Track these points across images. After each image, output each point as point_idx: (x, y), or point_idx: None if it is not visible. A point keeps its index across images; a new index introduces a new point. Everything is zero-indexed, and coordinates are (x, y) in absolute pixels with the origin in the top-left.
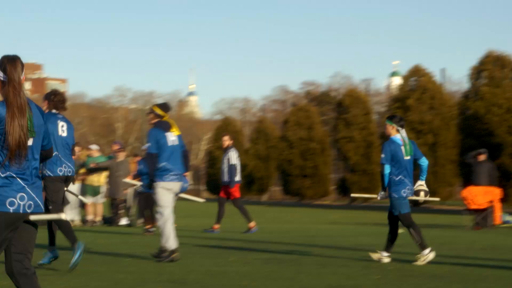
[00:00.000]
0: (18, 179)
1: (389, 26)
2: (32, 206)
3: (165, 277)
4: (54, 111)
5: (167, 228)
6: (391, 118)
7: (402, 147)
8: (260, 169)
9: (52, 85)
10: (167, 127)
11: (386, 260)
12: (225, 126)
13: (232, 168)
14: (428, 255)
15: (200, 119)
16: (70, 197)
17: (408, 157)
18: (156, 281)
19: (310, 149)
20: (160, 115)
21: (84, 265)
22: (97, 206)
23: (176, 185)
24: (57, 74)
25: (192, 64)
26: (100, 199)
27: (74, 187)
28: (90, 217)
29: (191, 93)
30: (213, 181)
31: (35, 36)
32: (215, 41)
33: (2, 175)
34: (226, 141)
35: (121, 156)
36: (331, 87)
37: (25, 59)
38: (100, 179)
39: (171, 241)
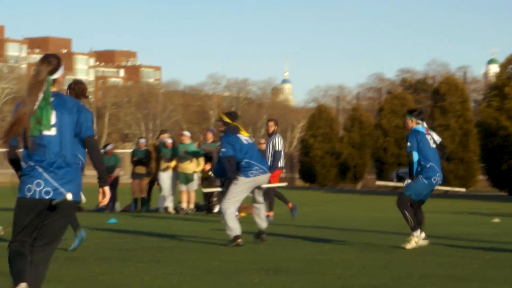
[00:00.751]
0: (37, 167)
1: (487, 13)
2: (51, 192)
3: (259, 265)
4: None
5: (233, 219)
6: (411, 112)
7: (427, 136)
8: (355, 157)
9: (146, 72)
10: (236, 130)
11: (423, 242)
12: (319, 114)
13: (276, 154)
14: (418, 237)
15: (294, 107)
16: (164, 184)
17: (434, 146)
18: (250, 269)
19: (405, 137)
20: (228, 122)
21: (177, 253)
22: (190, 194)
23: (259, 179)
24: (151, 62)
25: (287, 51)
26: (193, 187)
27: (167, 174)
28: (183, 204)
29: (285, 81)
30: (306, 169)
31: (129, 24)
32: (311, 28)
33: (24, 166)
34: (272, 126)
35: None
36: (427, 75)
37: (119, 46)
38: (192, 167)
39: (238, 228)
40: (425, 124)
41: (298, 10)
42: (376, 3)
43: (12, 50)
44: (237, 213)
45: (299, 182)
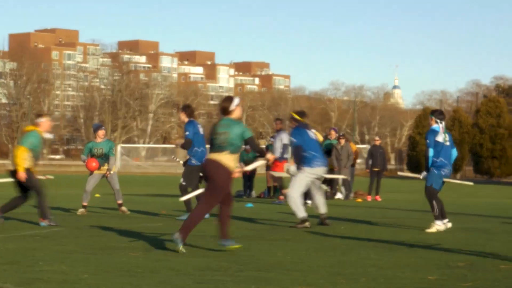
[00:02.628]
0: None
1: None
2: None
3: (372, 242)
4: (191, 119)
5: (296, 203)
6: (433, 112)
7: (442, 134)
8: None
9: (277, 80)
10: (305, 126)
11: (443, 227)
12: (424, 115)
13: (285, 147)
14: (440, 226)
15: (403, 109)
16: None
17: (447, 143)
18: (366, 246)
19: (499, 134)
20: (298, 119)
21: (304, 232)
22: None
23: (320, 170)
24: (281, 71)
25: (397, 60)
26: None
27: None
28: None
29: (395, 86)
30: (414, 162)
31: (263, 38)
32: (418, 39)
33: None
34: (278, 124)
35: (341, 142)
36: None
37: (254, 58)
38: None
39: (302, 212)
40: (443, 124)
41: (406, 25)
42: (475, 19)
43: (166, 62)
44: (309, 201)
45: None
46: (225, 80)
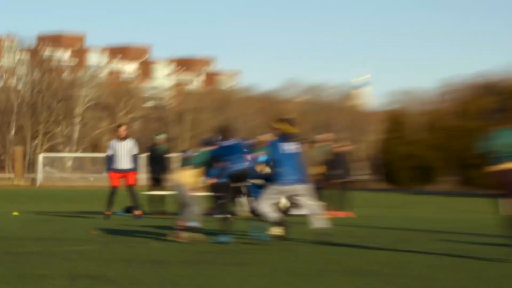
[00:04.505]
0: None
1: None
2: None
3: (344, 264)
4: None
5: (263, 210)
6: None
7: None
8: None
9: (223, 78)
10: (287, 138)
11: None
12: (396, 118)
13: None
14: None
15: (371, 111)
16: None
17: None
18: (332, 270)
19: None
20: (283, 128)
21: (260, 255)
22: None
23: (289, 188)
24: (229, 67)
25: (364, 53)
26: None
27: None
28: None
29: (363, 84)
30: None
31: (208, 29)
32: (389, 28)
33: None
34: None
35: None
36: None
37: (199, 51)
38: None
39: (272, 214)
40: None
41: (375, 12)
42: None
43: (93, 59)
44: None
45: (382, 184)
46: (163, 78)
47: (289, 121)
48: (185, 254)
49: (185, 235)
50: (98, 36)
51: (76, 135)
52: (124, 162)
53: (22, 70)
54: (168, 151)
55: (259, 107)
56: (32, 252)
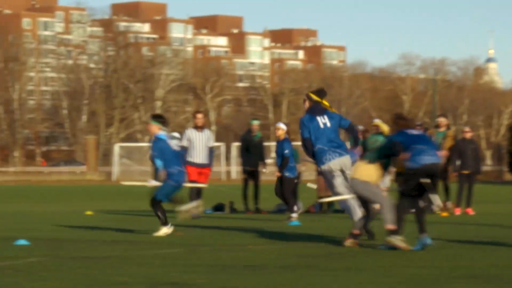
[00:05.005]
0: None
1: None
2: None
3: (462, 271)
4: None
5: (350, 205)
6: None
7: None
8: None
9: (328, 53)
10: (319, 111)
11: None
12: None
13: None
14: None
15: (501, 90)
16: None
17: None
18: (451, 276)
19: None
20: (316, 100)
21: (370, 259)
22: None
23: (336, 163)
24: (333, 41)
25: (491, 25)
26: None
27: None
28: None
29: (490, 60)
30: None
31: (303, 0)
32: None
33: None
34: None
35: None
36: None
37: (296, 24)
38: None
39: (358, 212)
40: None
41: None
42: None
43: (176, 31)
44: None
45: (508, 176)
46: (258, 54)
47: (320, 93)
48: (284, 258)
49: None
50: (181, 5)
51: None
52: (201, 155)
53: (94, 46)
54: (263, 140)
55: (368, 86)
56: (108, 257)
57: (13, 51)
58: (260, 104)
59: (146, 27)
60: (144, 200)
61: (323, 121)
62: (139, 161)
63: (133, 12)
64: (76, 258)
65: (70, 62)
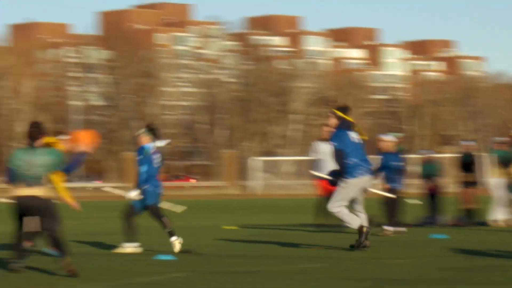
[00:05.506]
0: None
1: None
2: None
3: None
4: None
5: (345, 215)
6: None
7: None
8: None
9: (466, 63)
10: (348, 126)
11: None
12: None
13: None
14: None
15: None
16: (496, 193)
17: None
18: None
19: None
20: (341, 117)
21: None
22: None
23: (366, 180)
24: (472, 52)
25: None
26: None
27: (499, 181)
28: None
29: None
30: None
31: (449, 11)
32: None
33: None
34: None
35: None
36: None
37: (436, 35)
38: None
39: (356, 219)
40: None
41: None
42: None
43: (312, 44)
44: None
45: None
46: (395, 65)
47: (345, 110)
48: (438, 272)
49: None
50: (314, 19)
51: (294, 134)
52: (330, 168)
53: (229, 60)
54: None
55: (508, 96)
56: (249, 272)
57: (146, 66)
58: (398, 116)
59: (278, 40)
60: (287, 214)
61: (354, 136)
62: (277, 174)
63: (265, 25)
64: (218, 273)
65: (206, 76)
